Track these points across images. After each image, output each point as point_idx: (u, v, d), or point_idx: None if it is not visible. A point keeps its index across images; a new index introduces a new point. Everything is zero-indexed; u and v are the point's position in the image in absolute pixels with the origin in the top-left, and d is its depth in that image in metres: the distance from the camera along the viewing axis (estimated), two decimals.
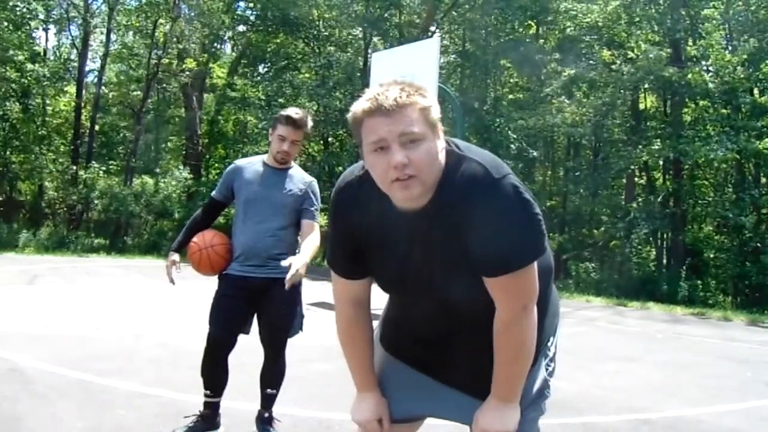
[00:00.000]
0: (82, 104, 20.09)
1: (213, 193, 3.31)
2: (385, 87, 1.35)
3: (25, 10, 17.39)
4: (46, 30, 21.11)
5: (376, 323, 1.77)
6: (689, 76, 14.58)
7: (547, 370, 1.62)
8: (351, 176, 1.49)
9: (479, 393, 1.52)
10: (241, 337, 3.20)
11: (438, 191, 1.37)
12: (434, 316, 1.53)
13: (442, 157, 1.37)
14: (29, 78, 17.52)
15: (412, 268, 1.46)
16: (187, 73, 20.41)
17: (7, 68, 16.96)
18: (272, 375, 3.23)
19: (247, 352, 5.17)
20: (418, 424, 1.70)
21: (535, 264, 1.40)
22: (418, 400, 1.63)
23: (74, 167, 18.42)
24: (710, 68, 15.53)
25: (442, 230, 1.39)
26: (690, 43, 16.02)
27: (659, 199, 16.71)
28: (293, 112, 3.11)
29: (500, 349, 1.45)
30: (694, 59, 15.59)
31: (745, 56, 14.14)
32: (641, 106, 18.87)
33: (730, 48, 15.57)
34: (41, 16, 18.62)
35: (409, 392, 1.63)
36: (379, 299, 1.70)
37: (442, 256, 1.41)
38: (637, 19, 16.57)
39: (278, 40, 21.91)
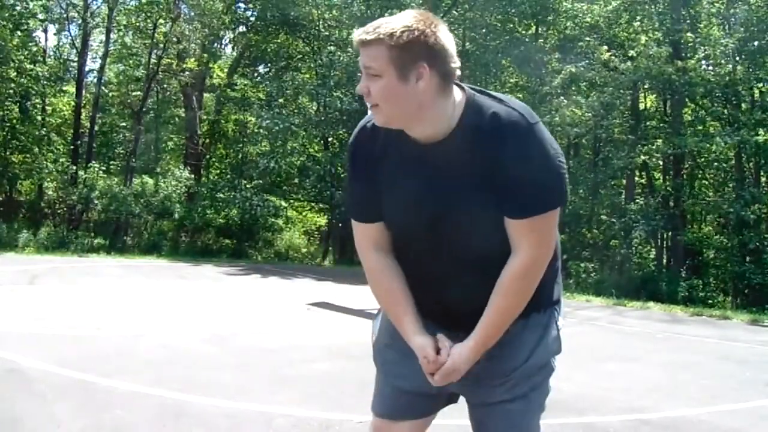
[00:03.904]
0: (82, 104, 20.09)
1: None
2: (386, 18, 1.43)
3: (23, 10, 17.37)
4: (45, 30, 21.12)
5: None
6: (688, 64, 14.53)
7: (557, 330, 1.61)
8: (366, 122, 1.55)
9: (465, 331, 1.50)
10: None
11: (461, 127, 1.42)
12: (444, 256, 1.50)
13: (411, 97, 1.38)
14: (29, 78, 17.50)
15: (429, 202, 1.47)
16: (187, 73, 20.41)
17: (7, 69, 16.94)
18: None
19: (249, 353, 5.18)
20: (423, 425, 1.68)
21: (557, 216, 1.45)
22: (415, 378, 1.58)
23: (74, 167, 18.40)
24: (710, 66, 15.51)
25: (464, 165, 1.43)
26: (689, 36, 16.00)
27: (658, 199, 16.70)
28: None
29: (508, 295, 1.45)
30: (692, 55, 15.57)
31: (738, 35, 14.08)
32: (641, 106, 18.86)
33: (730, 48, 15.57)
34: (40, 16, 18.60)
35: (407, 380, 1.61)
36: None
37: (461, 191, 1.44)
38: (638, 18, 16.55)
39: (278, 40, 21.91)
